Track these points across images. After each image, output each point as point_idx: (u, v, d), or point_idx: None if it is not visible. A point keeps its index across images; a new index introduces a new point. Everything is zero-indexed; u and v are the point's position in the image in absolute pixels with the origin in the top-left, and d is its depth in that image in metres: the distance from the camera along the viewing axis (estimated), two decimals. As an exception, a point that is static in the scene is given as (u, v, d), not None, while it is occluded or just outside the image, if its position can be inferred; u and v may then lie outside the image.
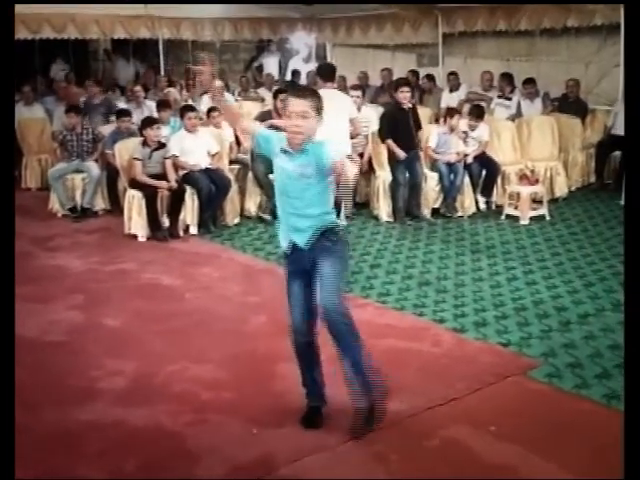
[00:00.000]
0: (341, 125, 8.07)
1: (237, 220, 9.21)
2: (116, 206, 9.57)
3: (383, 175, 9.27)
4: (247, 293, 6.65)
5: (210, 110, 10.00)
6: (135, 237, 8.52)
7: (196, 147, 8.91)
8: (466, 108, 11.07)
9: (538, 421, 4.32)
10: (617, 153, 10.27)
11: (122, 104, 11.63)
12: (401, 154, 8.90)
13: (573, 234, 8.40)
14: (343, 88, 12.34)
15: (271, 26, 14.65)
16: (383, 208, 9.20)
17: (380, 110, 11.49)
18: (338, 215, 6.97)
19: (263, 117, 9.15)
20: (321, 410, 4.35)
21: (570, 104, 11.23)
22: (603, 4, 10.56)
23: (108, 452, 4.10)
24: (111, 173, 9.63)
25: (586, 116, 11.24)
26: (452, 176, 9.18)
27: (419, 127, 9.28)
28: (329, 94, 8.13)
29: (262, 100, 13.64)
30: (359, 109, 9.64)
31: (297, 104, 3.92)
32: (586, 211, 9.48)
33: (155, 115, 9.94)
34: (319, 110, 3.98)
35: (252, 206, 9.39)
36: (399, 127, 8.80)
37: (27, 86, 12.30)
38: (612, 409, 4.37)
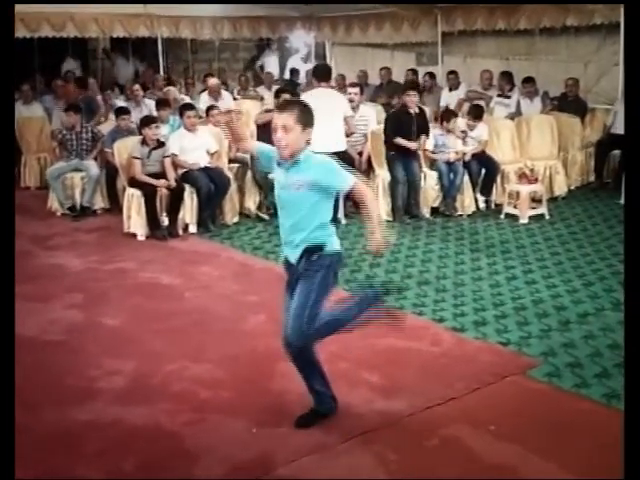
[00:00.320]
0: (336, 124, 8.09)
1: (236, 219, 9.20)
2: (115, 205, 9.58)
3: (382, 174, 9.26)
4: (246, 292, 6.64)
5: (209, 109, 10.00)
6: (134, 236, 8.52)
7: (195, 146, 8.91)
8: (465, 107, 11.08)
9: (538, 421, 4.32)
10: (616, 152, 10.28)
11: (121, 103, 11.62)
12: (412, 145, 8.97)
13: (572, 233, 8.40)
14: (342, 87, 12.36)
15: (270, 25, 14.64)
16: (382, 207, 9.18)
17: (379, 109, 11.54)
18: (336, 214, 7.02)
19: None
20: (319, 414, 4.33)
21: (569, 103, 11.23)
22: (602, 4, 10.56)
23: (107, 451, 4.10)
24: (110, 172, 9.63)
25: (585, 115, 11.25)
26: (452, 175, 9.18)
27: (425, 131, 9.27)
28: (323, 93, 8.18)
29: (261, 99, 13.63)
30: (357, 107, 9.66)
31: (277, 117, 3.96)
32: (585, 210, 9.47)
33: (154, 114, 9.93)
34: (304, 120, 3.96)
35: (251, 205, 9.39)
36: (402, 130, 8.78)
37: (26, 85, 12.30)
38: (612, 408, 4.37)
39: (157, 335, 5.73)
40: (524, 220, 8.86)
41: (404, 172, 9.00)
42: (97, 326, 5.98)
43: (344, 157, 6.73)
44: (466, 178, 9.30)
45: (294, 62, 17.43)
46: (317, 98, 7.02)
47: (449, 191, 9.21)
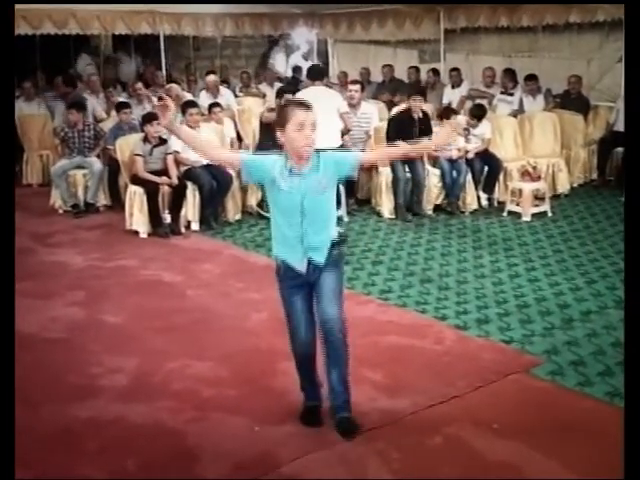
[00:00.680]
0: (329, 121, 8.09)
1: (238, 216, 9.19)
2: (117, 202, 9.57)
3: (386, 171, 9.24)
4: (248, 290, 6.63)
5: (212, 106, 9.98)
6: (136, 233, 8.51)
7: (197, 143, 8.88)
8: (468, 105, 11.06)
9: (540, 419, 4.31)
10: (619, 149, 10.26)
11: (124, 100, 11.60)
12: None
13: (575, 231, 8.39)
14: (344, 84, 12.35)
15: (272, 22, 14.60)
16: (385, 204, 9.18)
17: (381, 106, 11.51)
18: (338, 210, 7.01)
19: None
20: (320, 408, 4.33)
21: (572, 100, 11.20)
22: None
23: (108, 450, 4.09)
24: (112, 169, 9.62)
25: (588, 112, 11.22)
26: (455, 174, 9.16)
27: (428, 135, 9.23)
28: (317, 91, 8.23)
29: (263, 96, 13.61)
30: (358, 104, 9.65)
31: (308, 115, 3.83)
32: (588, 208, 9.46)
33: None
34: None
35: (254, 202, 9.37)
36: (404, 133, 8.70)
37: (28, 82, 12.29)
38: (615, 407, 4.35)
39: (159, 333, 5.72)
40: (527, 218, 8.84)
41: (407, 170, 8.99)
42: (98, 324, 5.97)
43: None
44: (469, 176, 9.28)
45: (296, 59, 17.41)
46: (310, 96, 7.03)
47: (453, 190, 9.19)
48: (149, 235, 8.48)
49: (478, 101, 11.13)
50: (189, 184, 8.69)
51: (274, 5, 13.84)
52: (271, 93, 13.64)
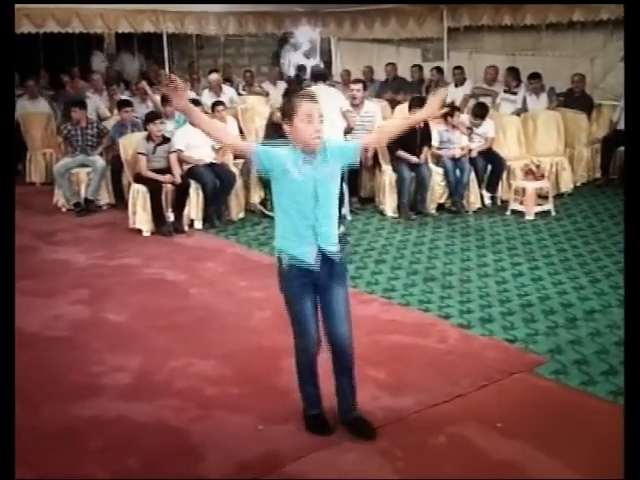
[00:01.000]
0: (331, 118, 8.08)
1: (242, 215, 9.19)
2: (121, 201, 9.57)
3: (389, 170, 9.24)
4: (252, 288, 6.62)
5: (214, 104, 9.98)
6: (140, 232, 8.51)
7: (201, 142, 8.86)
8: (471, 104, 11.04)
9: (544, 418, 4.30)
10: (622, 148, 10.24)
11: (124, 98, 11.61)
12: (413, 159, 9.02)
13: (579, 230, 8.38)
14: (347, 83, 12.34)
15: (275, 21, 14.60)
16: (388, 203, 9.17)
17: (384, 105, 11.49)
18: (341, 210, 7.01)
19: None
20: (325, 415, 4.27)
21: (576, 99, 11.19)
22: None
23: (111, 448, 4.09)
24: (116, 167, 9.62)
25: (592, 111, 11.22)
26: (458, 172, 9.15)
27: (428, 143, 9.25)
28: (319, 90, 8.22)
29: (266, 94, 13.62)
30: (361, 103, 9.63)
31: (315, 107, 3.86)
32: (592, 206, 9.45)
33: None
34: None
35: (257, 201, 9.37)
36: (405, 142, 8.68)
37: (31, 80, 12.30)
38: (618, 406, 4.34)
39: (162, 331, 5.72)
40: (530, 216, 8.83)
41: (411, 170, 8.99)
42: (101, 322, 5.97)
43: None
44: (472, 175, 9.27)
45: (297, 58, 17.38)
46: None
47: (457, 189, 9.18)
48: (152, 233, 8.48)
49: (481, 99, 11.13)
50: (192, 182, 8.69)
51: (277, 4, 13.84)
52: (274, 92, 13.67)
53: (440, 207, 9.31)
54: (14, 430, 3.28)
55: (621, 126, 10.31)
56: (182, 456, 4.00)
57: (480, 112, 9.66)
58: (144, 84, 11.68)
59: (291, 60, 17.72)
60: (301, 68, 15.94)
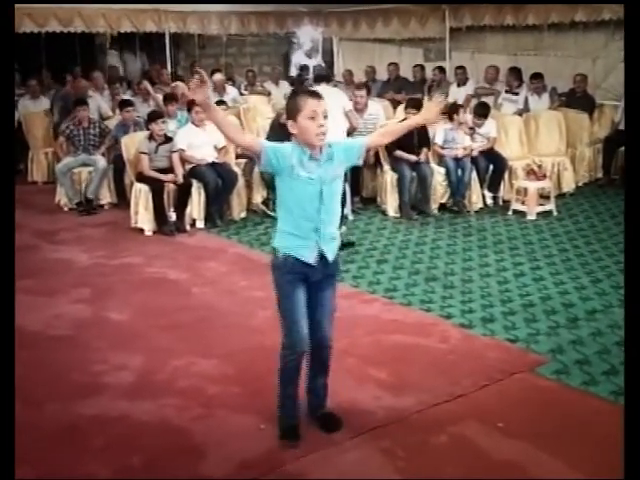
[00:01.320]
0: (336, 120, 8.08)
1: (244, 214, 9.20)
2: (123, 200, 9.58)
3: (391, 170, 9.23)
4: (253, 287, 6.62)
5: (217, 104, 9.98)
6: (141, 231, 8.51)
7: (203, 141, 8.90)
8: (473, 103, 11.04)
9: (546, 418, 4.30)
10: (624, 148, 10.24)
11: (129, 98, 11.61)
12: (412, 158, 9.04)
13: (580, 230, 8.38)
14: (350, 82, 12.35)
15: (278, 20, 14.61)
16: (390, 203, 9.17)
17: (386, 104, 11.49)
18: (343, 210, 7.00)
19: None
20: (299, 425, 4.17)
21: (578, 99, 11.19)
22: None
23: (113, 447, 4.09)
24: (118, 167, 9.62)
25: (594, 111, 11.22)
26: (460, 172, 9.15)
27: (426, 144, 9.26)
28: (322, 90, 8.19)
29: (268, 94, 13.62)
30: (365, 106, 9.64)
31: (320, 104, 3.84)
32: (593, 206, 9.45)
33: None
34: None
35: (259, 200, 9.37)
36: (403, 142, 8.65)
37: (33, 80, 12.30)
38: (619, 406, 4.33)
39: (164, 330, 5.72)
40: (532, 216, 8.83)
41: (411, 169, 9.00)
42: (103, 321, 5.98)
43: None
44: (474, 175, 9.27)
45: (299, 58, 17.40)
46: None
47: (458, 189, 9.18)
48: (154, 233, 8.49)
49: (483, 99, 11.13)
50: (194, 182, 8.70)
51: (279, 3, 13.85)
52: (276, 91, 13.68)
53: (442, 207, 9.31)
54: (14, 429, 3.29)
55: (623, 126, 10.29)
56: (184, 455, 4.00)
57: (482, 111, 9.67)
58: (146, 84, 11.68)
59: (293, 60, 17.78)
60: (303, 68, 15.97)
